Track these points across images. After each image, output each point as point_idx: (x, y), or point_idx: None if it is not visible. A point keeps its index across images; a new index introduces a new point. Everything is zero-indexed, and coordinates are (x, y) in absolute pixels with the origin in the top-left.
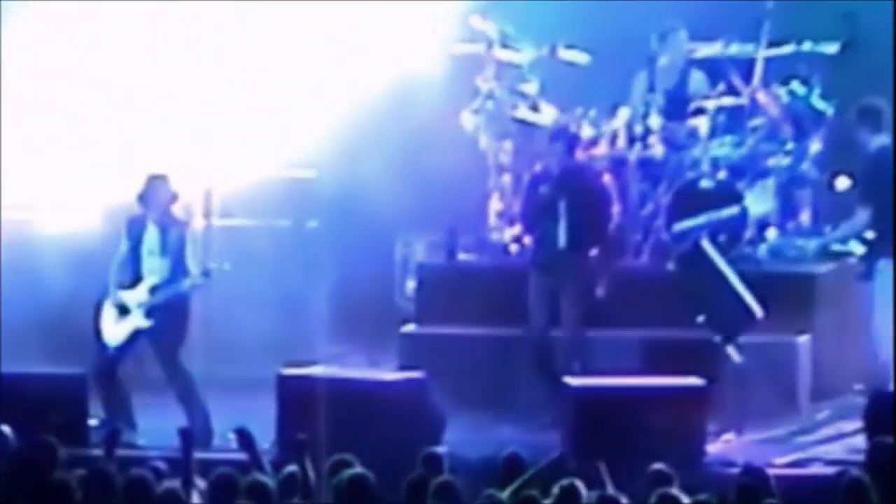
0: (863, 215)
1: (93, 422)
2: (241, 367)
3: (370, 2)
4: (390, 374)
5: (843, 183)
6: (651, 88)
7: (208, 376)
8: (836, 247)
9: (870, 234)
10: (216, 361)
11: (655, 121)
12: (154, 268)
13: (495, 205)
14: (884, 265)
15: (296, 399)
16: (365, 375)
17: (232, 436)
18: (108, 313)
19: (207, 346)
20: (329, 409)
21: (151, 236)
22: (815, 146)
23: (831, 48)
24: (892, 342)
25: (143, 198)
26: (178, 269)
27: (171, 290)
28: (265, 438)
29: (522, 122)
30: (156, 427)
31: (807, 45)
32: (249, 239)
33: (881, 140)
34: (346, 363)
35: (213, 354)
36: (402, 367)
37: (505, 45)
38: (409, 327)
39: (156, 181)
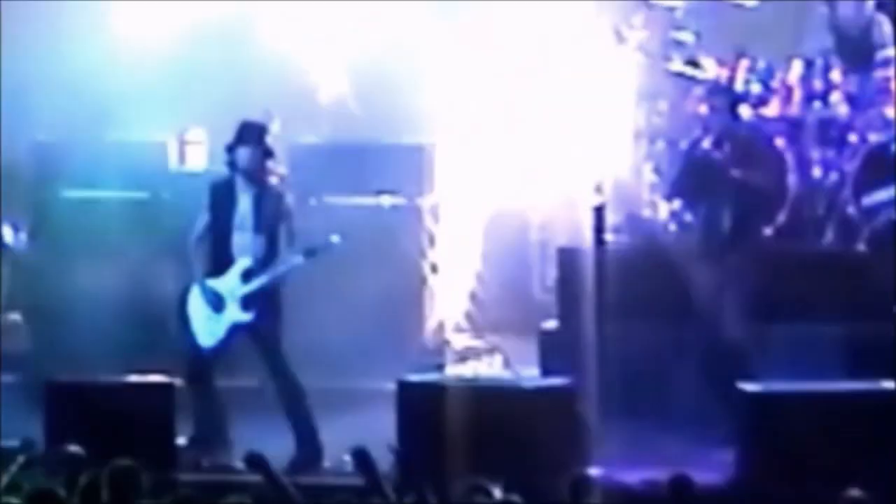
0: None
1: (181, 440)
2: (347, 374)
3: None
4: (530, 380)
5: None
6: (831, 36)
7: (307, 388)
8: None
9: None
10: (315, 368)
11: (837, 74)
12: (245, 246)
13: (648, 176)
14: None
15: (419, 411)
16: (500, 382)
17: (347, 458)
18: (197, 306)
19: (306, 349)
20: (459, 423)
21: (243, 206)
22: None
23: None
24: None
25: (234, 151)
26: (273, 248)
27: (269, 275)
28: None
29: (678, 76)
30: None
31: None
32: (352, 218)
33: None
34: (478, 366)
35: (312, 360)
36: (544, 371)
37: None
38: (551, 323)
39: (252, 129)
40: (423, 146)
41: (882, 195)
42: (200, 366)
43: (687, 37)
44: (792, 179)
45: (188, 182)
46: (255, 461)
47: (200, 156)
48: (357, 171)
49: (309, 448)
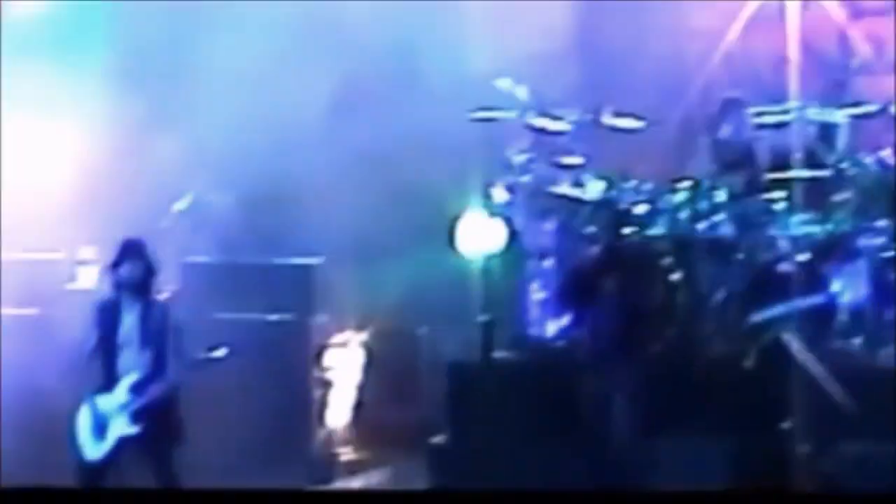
0: None
1: None
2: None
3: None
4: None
5: None
6: (716, 159)
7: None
8: None
9: None
10: (205, 481)
11: (723, 195)
12: (132, 362)
13: (536, 294)
14: None
15: None
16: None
17: None
18: (86, 423)
19: (194, 462)
20: None
21: (129, 322)
22: None
23: None
24: None
25: (117, 267)
26: (161, 362)
27: (157, 388)
28: None
29: (565, 198)
30: None
31: None
32: (241, 334)
33: None
34: (368, 481)
35: (201, 472)
36: (433, 486)
37: (542, 112)
38: (440, 438)
39: (133, 245)
40: (310, 265)
41: (767, 313)
42: (88, 480)
43: (574, 160)
44: (679, 296)
45: (80, 299)
46: None
47: (92, 274)
48: (246, 290)
49: None
